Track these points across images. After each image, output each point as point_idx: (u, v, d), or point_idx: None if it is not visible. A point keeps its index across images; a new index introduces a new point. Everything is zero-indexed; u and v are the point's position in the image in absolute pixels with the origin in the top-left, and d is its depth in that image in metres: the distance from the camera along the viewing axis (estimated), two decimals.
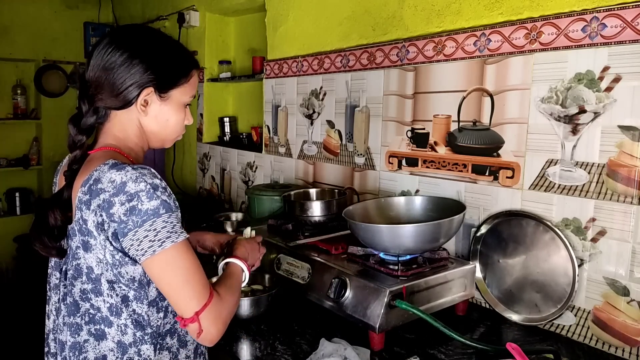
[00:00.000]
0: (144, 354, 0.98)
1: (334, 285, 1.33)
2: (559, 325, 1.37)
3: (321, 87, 2.17)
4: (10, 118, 4.16)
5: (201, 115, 3.15)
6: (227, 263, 1.15)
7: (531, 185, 1.42)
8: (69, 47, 4.30)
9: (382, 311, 1.21)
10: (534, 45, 1.39)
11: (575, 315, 1.34)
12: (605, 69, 1.25)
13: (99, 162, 0.97)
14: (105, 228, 0.93)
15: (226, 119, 3.07)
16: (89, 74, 1.02)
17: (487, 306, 1.53)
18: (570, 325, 1.35)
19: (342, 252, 1.50)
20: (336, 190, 1.93)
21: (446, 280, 1.39)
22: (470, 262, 1.50)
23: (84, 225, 0.95)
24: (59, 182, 1.10)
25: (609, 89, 1.25)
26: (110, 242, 0.93)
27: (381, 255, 1.41)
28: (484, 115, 1.54)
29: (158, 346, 1.00)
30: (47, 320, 1.10)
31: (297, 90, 2.31)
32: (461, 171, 1.61)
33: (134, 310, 0.97)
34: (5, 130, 4.16)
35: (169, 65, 1.06)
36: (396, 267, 1.34)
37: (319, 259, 1.46)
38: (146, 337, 0.98)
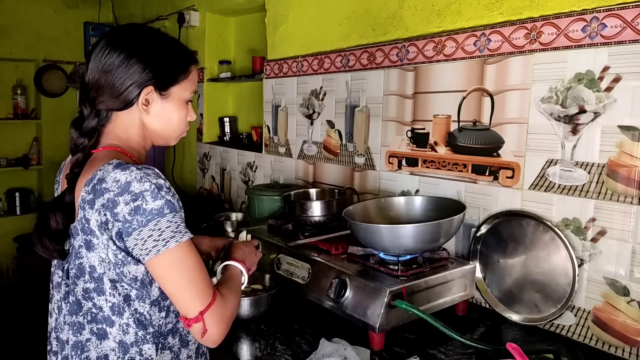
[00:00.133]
0: (145, 353, 0.98)
1: (334, 285, 1.33)
2: (559, 325, 1.37)
3: (321, 87, 2.17)
4: (10, 118, 4.16)
5: (201, 115, 3.15)
6: (226, 266, 1.16)
7: (531, 185, 1.42)
8: (69, 47, 4.31)
9: (382, 311, 1.21)
10: (534, 45, 1.39)
11: (575, 315, 1.34)
12: (605, 69, 1.25)
13: (103, 162, 0.97)
14: (110, 227, 0.93)
15: (226, 119, 3.07)
16: (88, 77, 1.02)
17: (487, 306, 1.53)
18: (570, 325, 1.35)
19: (342, 252, 1.50)
20: (336, 190, 1.93)
21: (446, 280, 1.39)
22: (470, 262, 1.50)
23: (86, 225, 0.95)
24: (62, 182, 1.10)
25: (609, 89, 1.25)
26: (114, 242, 0.93)
27: (381, 255, 1.41)
28: (484, 115, 1.54)
29: (160, 346, 1.00)
30: (49, 319, 1.10)
31: (297, 90, 2.31)
32: (461, 171, 1.61)
33: (136, 310, 0.97)
34: (5, 130, 4.16)
35: (167, 62, 1.06)
36: (396, 267, 1.34)
37: (319, 259, 1.46)
38: (148, 337, 0.98)
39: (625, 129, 1.22)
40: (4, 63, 4.08)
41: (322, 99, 2.17)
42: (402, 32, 1.79)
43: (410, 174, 1.78)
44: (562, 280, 1.34)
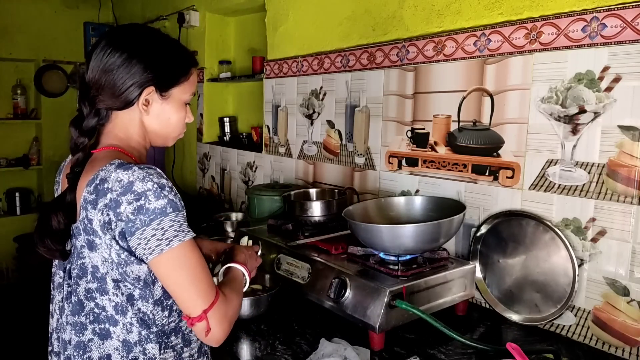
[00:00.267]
0: (149, 352, 0.98)
1: (334, 285, 1.33)
2: (559, 325, 1.37)
3: (321, 87, 2.17)
4: (10, 118, 4.16)
5: (201, 115, 3.15)
6: (228, 268, 1.17)
7: (531, 185, 1.42)
8: (69, 47, 4.31)
9: (382, 311, 1.21)
10: (534, 45, 1.39)
11: (575, 315, 1.34)
12: (605, 69, 1.25)
13: (104, 162, 0.97)
14: (113, 227, 0.93)
15: (226, 119, 3.07)
16: (89, 76, 1.02)
17: (487, 306, 1.53)
18: (570, 325, 1.35)
19: (342, 252, 1.50)
20: (336, 190, 1.93)
21: (446, 280, 1.39)
22: (470, 262, 1.50)
23: (88, 225, 0.95)
24: (62, 182, 1.10)
25: (609, 89, 1.25)
26: (117, 242, 0.93)
27: (381, 255, 1.41)
28: (484, 115, 1.54)
29: (163, 345, 1.01)
30: (50, 319, 1.10)
31: (297, 90, 2.31)
32: (461, 171, 1.61)
33: (139, 309, 0.97)
34: (5, 130, 4.16)
35: (169, 64, 1.07)
36: (396, 267, 1.34)
37: (319, 259, 1.46)
38: (151, 336, 0.99)
39: (625, 129, 1.22)
40: (4, 63, 4.09)
41: (322, 99, 2.17)
42: (402, 32, 1.79)
43: (410, 174, 1.78)
44: (562, 280, 1.34)
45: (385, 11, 1.85)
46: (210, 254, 1.36)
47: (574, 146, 1.32)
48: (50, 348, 1.10)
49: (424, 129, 1.73)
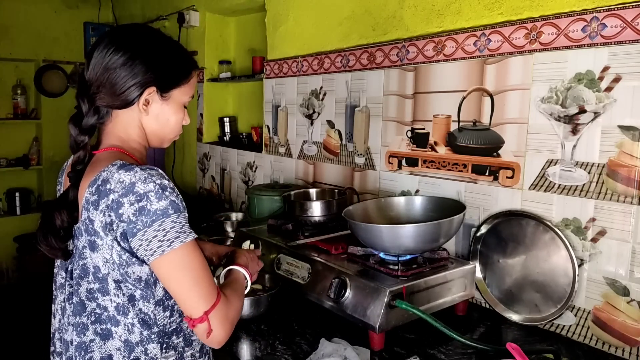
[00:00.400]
0: (150, 352, 0.98)
1: (334, 285, 1.33)
2: (559, 325, 1.37)
3: (321, 87, 2.17)
4: (10, 118, 4.16)
5: (201, 115, 3.15)
6: (229, 270, 1.17)
7: (531, 185, 1.42)
8: (69, 47, 4.31)
9: (382, 311, 1.21)
10: (534, 45, 1.39)
11: (575, 315, 1.34)
12: (605, 69, 1.25)
13: (106, 162, 0.97)
14: (114, 228, 0.93)
15: (226, 119, 3.07)
16: (89, 73, 1.02)
17: (487, 306, 1.53)
18: (570, 325, 1.35)
19: (342, 252, 1.50)
20: (336, 190, 1.93)
21: (446, 280, 1.39)
22: (470, 262, 1.50)
23: (90, 226, 0.95)
24: (64, 182, 1.10)
25: (609, 89, 1.25)
26: (119, 243, 0.93)
27: (381, 255, 1.41)
28: (484, 115, 1.54)
29: (164, 345, 1.01)
30: (52, 320, 1.10)
31: (297, 90, 2.31)
32: (461, 171, 1.61)
33: (140, 310, 0.97)
34: (5, 130, 4.16)
35: (170, 65, 1.07)
36: (396, 267, 1.34)
37: (319, 259, 1.46)
38: (153, 336, 0.99)
39: (625, 129, 1.22)
40: (4, 63, 4.09)
41: (322, 99, 2.17)
42: (402, 32, 1.79)
43: (410, 174, 1.78)
44: (562, 280, 1.34)
45: (385, 11, 1.85)
46: (212, 257, 1.36)
47: (574, 146, 1.32)
48: (52, 348, 1.10)
49: (424, 129, 1.73)
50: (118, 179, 0.92)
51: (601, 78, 1.26)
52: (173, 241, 0.92)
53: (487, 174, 1.54)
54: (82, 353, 0.98)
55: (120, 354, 0.97)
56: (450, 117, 1.64)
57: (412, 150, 1.77)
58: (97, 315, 0.98)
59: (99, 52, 1.02)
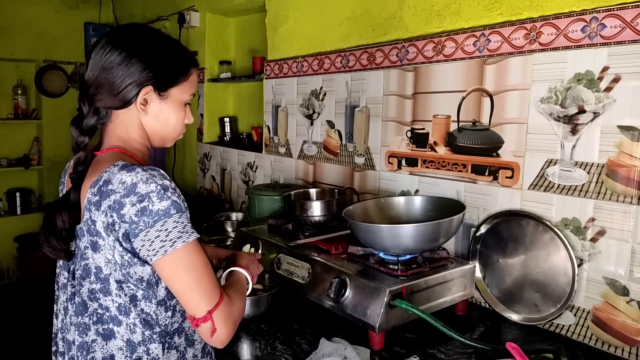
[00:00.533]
0: (152, 352, 0.99)
1: (334, 285, 1.33)
2: (558, 325, 1.37)
3: (321, 88, 2.17)
4: (10, 118, 4.17)
5: (201, 115, 3.16)
6: (231, 272, 1.17)
7: (531, 185, 1.42)
8: (70, 48, 4.31)
9: (382, 311, 1.22)
10: (534, 46, 1.40)
11: (575, 315, 1.34)
12: (605, 69, 1.25)
13: (108, 163, 0.97)
14: (116, 229, 0.93)
15: (226, 119, 3.07)
16: (88, 74, 1.02)
17: (487, 306, 1.53)
18: (570, 325, 1.35)
19: (342, 252, 1.51)
20: (336, 190, 1.94)
21: (446, 280, 1.39)
22: (470, 262, 1.50)
23: (92, 226, 0.95)
24: (67, 182, 1.10)
25: (608, 89, 1.25)
26: (121, 243, 0.94)
27: (381, 255, 1.41)
28: (484, 116, 1.54)
29: (166, 345, 1.01)
30: (55, 320, 1.11)
31: (297, 90, 2.31)
32: (461, 171, 1.61)
33: (142, 310, 0.98)
34: (5, 130, 4.17)
35: (168, 63, 1.06)
36: (396, 267, 1.34)
37: (319, 258, 1.46)
38: (155, 336, 0.99)
39: (624, 129, 1.22)
40: (5, 63, 4.09)
41: (322, 99, 2.17)
42: (401, 32, 1.80)
43: (410, 174, 1.78)
44: (561, 280, 1.34)
45: (385, 11, 1.85)
46: (212, 260, 1.36)
47: (574, 146, 1.32)
48: (54, 348, 1.10)
49: (423, 129, 1.73)
50: (120, 179, 0.93)
51: (600, 78, 1.26)
52: (175, 241, 0.92)
53: (486, 174, 1.54)
54: (84, 353, 0.99)
55: (123, 353, 0.98)
56: (450, 117, 1.64)
57: (411, 150, 1.78)
58: (99, 316, 0.98)
59: (96, 53, 1.02)
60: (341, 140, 2.09)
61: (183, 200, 0.96)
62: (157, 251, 0.92)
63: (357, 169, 2.03)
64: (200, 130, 3.20)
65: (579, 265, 1.31)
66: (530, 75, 1.41)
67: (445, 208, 1.48)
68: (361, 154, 2.00)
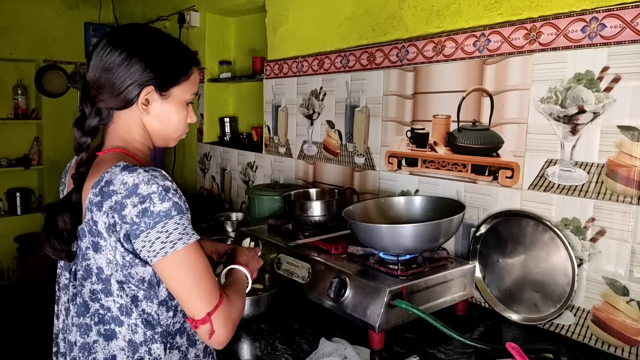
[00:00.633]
0: (154, 352, 0.99)
1: (334, 285, 1.33)
2: (558, 324, 1.38)
3: (321, 88, 2.17)
4: (11, 118, 4.17)
5: (202, 115, 3.16)
6: (230, 269, 1.17)
7: (530, 185, 1.42)
8: (70, 48, 4.31)
9: (382, 311, 1.22)
10: (534, 46, 1.40)
11: (575, 315, 1.34)
12: (605, 69, 1.25)
13: (109, 164, 0.97)
14: (117, 229, 0.93)
15: (226, 119, 3.07)
16: (89, 75, 1.02)
17: (487, 306, 1.53)
18: (570, 325, 1.35)
19: (342, 252, 1.51)
20: (336, 190, 1.94)
21: (446, 280, 1.39)
22: (470, 262, 1.50)
23: (94, 227, 0.95)
24: (68, 183, 1.10)
25: (608, 89, 1.25)
26: (122, 244, 0.94)
27: (381, 255, 1.41)
28: (484, 116, 1.54)
29: (168, 345, 1.01)
30: (56, 321, 1.10)
31: (297, 90, 2.32)
32: (461, 171, 1.61)
33: (143, 310, 0.98)
34: (5, 130, 4.17)
35: (169, 63, 1.06)
36: (396, 267, 1.34)
37: (319, 258, 1.46)
38: (156, 336, 0.99)
39: (624, 129, 1.22)
40: (5, 63, 4.09)
41: (322, 99, 2.17)
42: (401, 32, 1.80)
43: (410, 174, 1.78)
44: (561, 280, 1.34)
45: (385, 11, 1.85)
46: (212, 255, 1.36)
47: (574, 146, 1.32)
48: (55, 349, 1.10)
49: (423, 129, 1.73)
50: (121, 180, 0.93)
51: (600, 78, 1.26)
52: (176, 243, 0.92)
53: (486, 174, 1.54)
54: (86, 354, 0.99)
55: (124, 354, 0.98)
56: (450, 117, 1.64)
57: (411, 150, 1.78)
58: (100, 316, 0.98)
59: (97, 53, 1.02)
60: (341, 140, 2.09)
61: (184, 202, 0.96)
62: (158, 252, 0.92)
63: (357, 169, 2.03)
64: (200, 130, 3.20)
65: (578, 265, 1.31)
66: (530, 75, 1.41)
67: (445, 208, 1.48)
68: (361, 154, 2.00)
